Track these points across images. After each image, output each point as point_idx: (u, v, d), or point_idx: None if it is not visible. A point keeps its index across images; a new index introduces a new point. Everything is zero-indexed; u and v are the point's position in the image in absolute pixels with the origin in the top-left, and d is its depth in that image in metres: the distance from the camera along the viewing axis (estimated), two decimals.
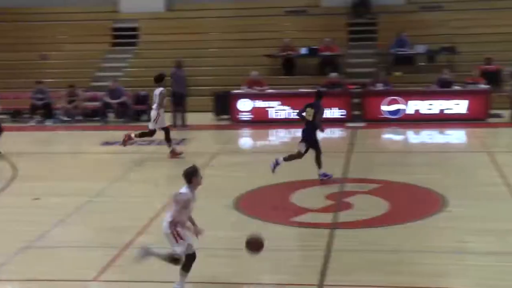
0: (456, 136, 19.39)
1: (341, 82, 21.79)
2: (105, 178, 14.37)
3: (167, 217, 8.34)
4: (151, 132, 16.43)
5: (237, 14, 26.62)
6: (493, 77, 21.63)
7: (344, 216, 11.47)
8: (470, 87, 20.88)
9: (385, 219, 11.33)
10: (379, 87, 21.39)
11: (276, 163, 13.73)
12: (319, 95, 14.11)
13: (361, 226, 10.89)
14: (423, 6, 25.91)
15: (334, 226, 10.91)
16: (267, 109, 21.11)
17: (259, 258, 9.06)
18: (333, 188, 13.08)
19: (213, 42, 26.13)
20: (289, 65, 24.11)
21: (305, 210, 11.70)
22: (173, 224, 8.19)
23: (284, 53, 24.02)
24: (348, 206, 11.96)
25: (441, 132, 19.43)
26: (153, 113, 16.36)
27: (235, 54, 25.02)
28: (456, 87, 20.91)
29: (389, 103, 20.58)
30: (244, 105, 21.16)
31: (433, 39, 24.00)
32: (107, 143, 18.47)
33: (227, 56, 25.00)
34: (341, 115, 20.78)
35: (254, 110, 21.15)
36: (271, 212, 11.84)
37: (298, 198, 12.53)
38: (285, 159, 13.79)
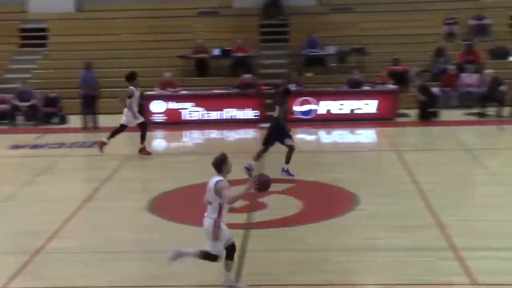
0: (366, 135, 19.81)
1: (254, 83, 21.94)
2: (15, 182, 14.01)
3: (209, 212, 8.27)
4: (143, 125, 16.31)
5: (150, 15, 26.41)
6: (400, 78, 22.23)
7: (258, 216, 11.55)
8: (379, 87, 21.39)
9: (299, 218, 11.47)
10: (291, 87, 21.59)
11: (287, 172, 13.81)
12: (285, 93, 14.31)
13: (275, 226, 10.99)
14: (333, 8, 26.36)
15: (248, 226, 10.98)
16: (180, 110, 21.04)
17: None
18: None
19: (125, 43, 25.82)
20: (202, 66, 24.10)
21: None
22: (217, 222, 8.18)
23: (197, 55, 24.00)
24: (262, 206, 12.04)
25: (352, 132, 19.82)
26: (126, 112, 16.22)
27: (148, 55, 24.83)
28: (366, 88, 21.38)
29: (301, 104, 20.84)
30: (157, 107, 21.02)
31: (343, 40, 24.45)
32: (16, 147, 18.00)
33: (139, 58, 24.75)
34: (255, 116, 20.93)
35: (168, 112, 21.04)
36: (185, 213, 11.82)
37: None
38: (287, 162, 13.85)
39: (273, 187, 13.02)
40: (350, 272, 9.03)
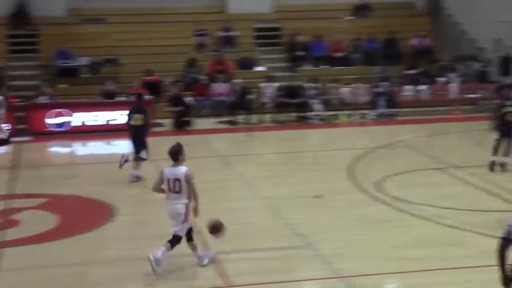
0: (123, 146, 19.73)
1: (3, 95, 20.99)
2: None
3: (180, 199, 8.99)
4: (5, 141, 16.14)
5: None
6: (154, 88, 22.53)
7: (11, 233, 11.12)
8: (133, 98, 21.43)
9: (54, 233, 11.21)
10: (44, 100, 21.05)
11: (126, 160, 14.25)
12: (141, 98, 14.99)
13: (29, 243, 10.64)
14: (85, 18, 25.97)
15: (0, 245, 10.52)
16: None
17: None
18: None
19: None
20: None
21: None
22: (188, 206, 9.01)
23: None
24: (15, 223, 11.63)
25: (108, 143, 19.72)
26: None
27: None
28: (120, 98, 21.36)
29: (55, 116, 20.36)
30: None
31: (96, 51, 24.25)
32: None
33: None
34: (6, 129, 20.01)
35: None
36: None
37: None
38: (135, 159, 14.32)
39: (27, 202, 12.73)
40: (104, 283, 8.98)
